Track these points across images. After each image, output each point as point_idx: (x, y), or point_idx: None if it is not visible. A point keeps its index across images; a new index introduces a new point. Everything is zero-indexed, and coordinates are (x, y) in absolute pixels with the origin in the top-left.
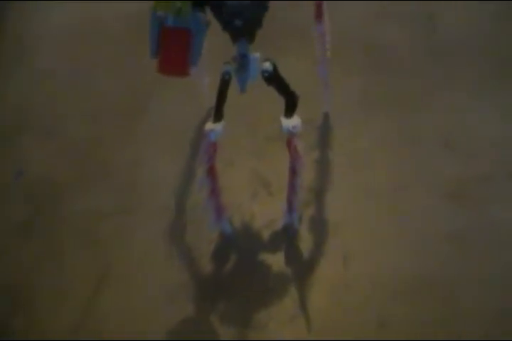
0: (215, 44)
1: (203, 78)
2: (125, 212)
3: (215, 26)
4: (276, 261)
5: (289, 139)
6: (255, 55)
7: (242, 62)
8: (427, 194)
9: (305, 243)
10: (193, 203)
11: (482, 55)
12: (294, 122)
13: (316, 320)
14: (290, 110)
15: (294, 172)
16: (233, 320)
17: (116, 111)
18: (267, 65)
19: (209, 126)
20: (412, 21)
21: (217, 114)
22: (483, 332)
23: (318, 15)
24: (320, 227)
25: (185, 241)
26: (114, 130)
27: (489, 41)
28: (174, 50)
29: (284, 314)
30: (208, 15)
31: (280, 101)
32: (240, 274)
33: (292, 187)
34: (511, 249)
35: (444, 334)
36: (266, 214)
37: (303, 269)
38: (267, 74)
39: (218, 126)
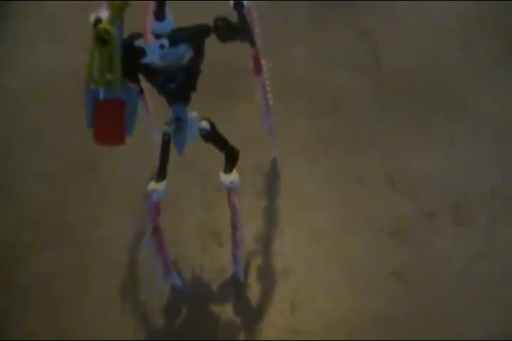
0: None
1: (153, 134)
2: (79, 270)
3: None
4: (225, 311)
5: (228, 194)
6: (192, 115)
7: (178, 125)
8: (372, 233)
9: (253, 292)
10: (146, 258)
11: (427, 89)
12: (232, 177)
13: None
14: (229, 165)
15: (234, 227)
16: None
17: (70, 169)
18: (204, 124)
19: (152, 185)
20: (355, 59)
21: (160, 173)
22: None
23: (257, 68)
24: (267, 275)
25: (138, 297)
26: (68, 189)
27: (434, 74)
28: (107, 122)
29: None
30: (142, 82)
31: None
32: (190, 326)
33: (234, 242)
34: (453, 283)
35: None
36: (215, 265)
37: (251, 318)
38: (204, 133)
39: (161, 186)
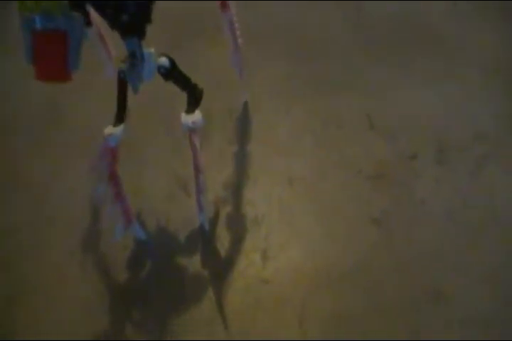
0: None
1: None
2: (38, 225)
3: None
4: (192, 263)
5: (189, 136)
6: (149, 51)
7: (133, 61)
8: (350, 178)
9: (222, 241)
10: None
11: (410, 31)
12: (194, 118)
13: (234, 322)
14: (192, 105)
15: (196, 169)
16: (149, 327)
17: (31, 122)
18: (163, 61)
19: (108, 130)
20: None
21: (118, 116)
22: (405, 325)
23: (223, 4)
24: (238, 224)
25: (100, 250)
26: (28, 141)
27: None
28: (49, 55)
29: (201, 317)
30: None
31: None
32: (156, 279)
33: (197, 185)
34: (434, 228)
35: (365, 330)
36: (182, 215)
37: (220, 269)
38: (163, 70)
39: (118, 130)
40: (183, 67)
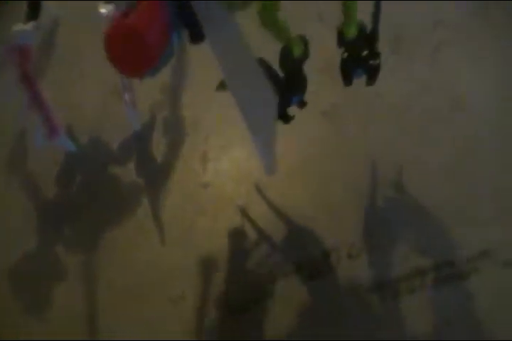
0: None
1: None
2: None
3: None
4: (127, 172)
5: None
6: None
7: None
8: None
9: (159, 148)
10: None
11: None
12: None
13: (173, 229)
14: None
15: None
16: (81, 243)
17: None
18: None
19: (17, 27)
20: None
21: (31, 10)
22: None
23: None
24: (176, 128)
25: (28, 167)
26: None
27: None
28: None
29: (136, 228)
30: None
31: None
32: (88, 194)
33: (123, 85)
34: (389, 120)
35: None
36: (116, 124)
37: (157, 177)
38: None
39: (29, 26)
40: None
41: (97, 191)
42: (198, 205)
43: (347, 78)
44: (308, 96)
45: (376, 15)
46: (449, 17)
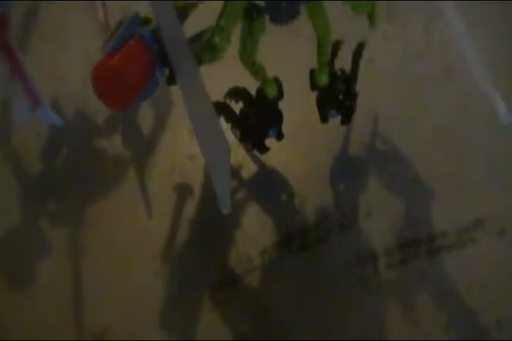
0: None
1: None
2: None
3: None
4: (112, 145)
5: None
6: None
7: None
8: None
9: (145, 119)
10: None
11: None
12: None
13: (159, 202)
14: None
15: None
16: (65, 218)
17: None
18: None
19: None
20: None
21: None
22: None
23: None
24: (162, 99)
25: (10, 142)
26: None
27: None
28: None
29: (123, 202)
30: None
31: None
32: (73, 168)
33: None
34: (383, 84)
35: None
36: None
37: (143, 149)
38: None
39: None
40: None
41: (83, 164)
42: (186, 178)
43: (322, 116)
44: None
45: (356, 60)
46: None
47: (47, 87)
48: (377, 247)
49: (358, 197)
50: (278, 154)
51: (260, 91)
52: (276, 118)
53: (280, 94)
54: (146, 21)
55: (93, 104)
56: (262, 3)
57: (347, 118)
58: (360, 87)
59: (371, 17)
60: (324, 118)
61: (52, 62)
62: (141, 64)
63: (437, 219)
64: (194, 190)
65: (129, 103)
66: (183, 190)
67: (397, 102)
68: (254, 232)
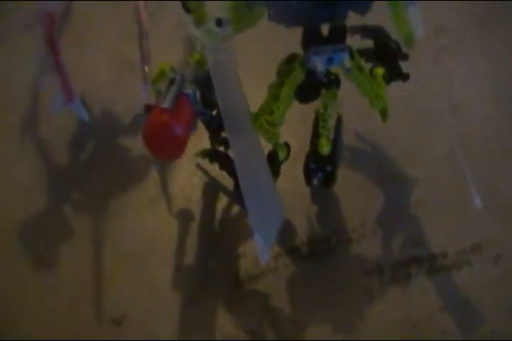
0: None
1: None
2: None
3: None
4: (136, 144)
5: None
6: None
7: None
8: None
9: None
10: (49, 93)
11: None
12: None
13: (179, 200)
14: None
15: (140, 35)
16: (89, 210)
17: None
18: None
19: None
20: None
21: None
22: None
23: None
24: None
25: (39, 133)
26: None
27: None
28: None
29: (144, 198)
30: None
31: None
32: (97, 162)
33: (142, 55)
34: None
35: None
36: (128, 98)
37: None
38: None
39: None
40: None
41: (107, 160)
42: (207, 178)
43: (307, 179)
44: None
45: (338, 129)
46: (450, 23)
47: (75, 84)
48: (383, 261)
49: (365, 215)
50: (289, 169)
51: (271, 155)
52: (274, 174)
53: (287, 157)
54: (199, 64)
55: (120, 102)
56: None
57: (328, 184)
58: (363, 118)
59: (383, 113)
60: (309, 180)
61: (82, 60)
62: (187, 120)
63: (438, 241)
64: (216, 192)
65: (179, 153)
66: (204, 191)
67: (408, 129)
68: None
